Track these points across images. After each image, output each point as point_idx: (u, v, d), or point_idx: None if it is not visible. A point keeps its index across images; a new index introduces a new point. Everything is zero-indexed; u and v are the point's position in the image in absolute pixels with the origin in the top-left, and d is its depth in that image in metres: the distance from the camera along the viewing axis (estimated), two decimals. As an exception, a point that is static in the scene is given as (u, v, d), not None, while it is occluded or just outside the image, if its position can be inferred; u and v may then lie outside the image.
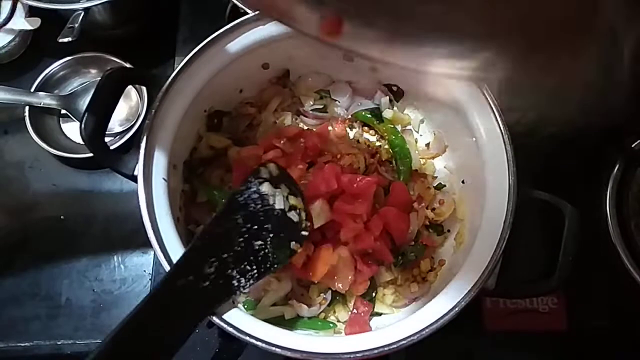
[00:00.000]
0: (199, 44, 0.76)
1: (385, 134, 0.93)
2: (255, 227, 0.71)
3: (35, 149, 0.95)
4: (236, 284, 0.67)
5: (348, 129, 0.95)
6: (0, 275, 0.93)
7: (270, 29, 0.78)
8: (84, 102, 0.99)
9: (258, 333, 0.64)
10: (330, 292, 0.83)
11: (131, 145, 0.97)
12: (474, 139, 0.77)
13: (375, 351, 0.64)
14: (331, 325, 0.81)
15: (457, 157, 0.89)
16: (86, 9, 0.91)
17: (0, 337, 0.89)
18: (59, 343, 0.89)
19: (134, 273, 0.94)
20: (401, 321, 0.67)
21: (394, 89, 0.92)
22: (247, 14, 0.78)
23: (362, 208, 0.80)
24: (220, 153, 0.88)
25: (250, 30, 0.78)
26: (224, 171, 0.88)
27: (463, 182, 0.87)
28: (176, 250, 0.67)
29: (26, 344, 0.89)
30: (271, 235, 0.72)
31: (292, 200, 0.76)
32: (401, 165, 0.90)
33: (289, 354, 0.64)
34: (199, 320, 0.64)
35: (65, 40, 0.88)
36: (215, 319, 0.64)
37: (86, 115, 0.70)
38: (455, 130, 0.84)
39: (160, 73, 1.02)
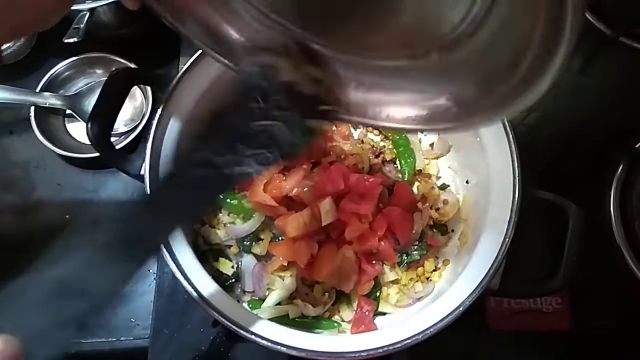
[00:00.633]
0: (204, 44, 0.76)
1: (389, 134, 0.93)
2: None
3: (41, 148, 0.95)
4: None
5: (352, 129, 0.95)
6: (4, 274, 0.93)
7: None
8: (89, 102, 0.99)
9: (263, 332, 0.64)
10: (334, 291, 0.83)
11: (136, 145, 0.97)
12: (478, 139, 0.77)
13: (380, 350, 0.64)
14: (335, 324, 0.81)
15: (461, 157, 0.89)
16: (91, 10, 0.91)
17: (5, 336, 0.90)
18: (63, 342, 0.89)
19: (139, 272, 0.94)
20: (406, 320, 0.68)
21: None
22: (252, 13, 0.79)
23: (367, 208, 0.80)
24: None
25: (255, 31, 0.78)
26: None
27: (467, 182, 0.87)
28: (182, 250, 0.67)
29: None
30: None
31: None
32: (405, 165, 0.91)
33: (294, 352, 0.64)
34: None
35: (71, 40, 0.88)
36: (220, 318, 0.64)
37: (93, 115, 0.70)
38: (459, 130, 0.84)
39: (165, 73, 1.02)
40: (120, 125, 1.00)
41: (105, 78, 0.74)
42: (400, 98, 0.54)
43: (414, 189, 0.90)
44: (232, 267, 0.83)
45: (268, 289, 0.82)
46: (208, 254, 0.84)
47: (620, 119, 1.03)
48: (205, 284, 0.66)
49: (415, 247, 0.85)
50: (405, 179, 0.90)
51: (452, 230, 0.88)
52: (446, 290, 0.69)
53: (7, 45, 0.99)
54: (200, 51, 0.75)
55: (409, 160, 0.91)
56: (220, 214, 0.87)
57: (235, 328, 0.64)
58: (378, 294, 0.84)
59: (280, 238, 0.84)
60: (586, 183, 0.96)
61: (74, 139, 1.01)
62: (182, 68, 0.75)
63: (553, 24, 0.36)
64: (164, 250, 0.67)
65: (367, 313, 0.81)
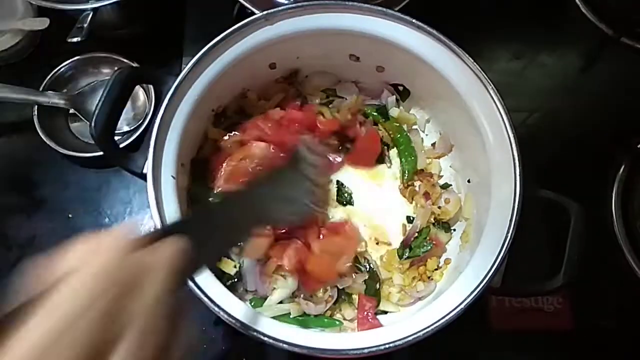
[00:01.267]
0: (206, 43, 0.76)
1: (391, 131, 0.93)
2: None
3: (44, 147, 0.96)
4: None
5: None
6: (8, 273, 0.94)
7: (278, 29, 0.79)
8: (92, 102, 1.00)
9: (266, 330, 0.64)
10: (336, 290, 0.83)
11: (138, 144, 0.96)
12: (480, 138, 0.77)
13: (382, 348, 0.64)
14: (337, 323, 0.82)
15: (463, 156, 0.89)
16: (95, 9, 0.91)
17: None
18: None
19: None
20: (408, 318, 0.68)
21: (400, 88, 0.93)
22: (255, 14, 0.79)
23: None
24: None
25: (257, 30, 0.78)
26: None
27: (469, 181, 0.87)
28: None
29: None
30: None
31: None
32: (405, 164, 0.91)
33: (296, 350, 0.64)
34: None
35: (75, 40, 0.89)
36: (224, 316, 0.64)
37: (96, 114, 0.71)
38: (461, 129, 0.85)
39: (167, 72, 1.03)
40: (122, 125, 1.01)
41: (108, 77, 0.74)
42: None
43: (416, 187, 0.90)
44: (235, 266, 0.83)
45: (273, 288, 0.82)
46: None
47: (622, 118, 1.03)
48: (208, 283, 0.66)
49: (419, 242, 0.86)
50: (405, 177, 0.91)
51: (454, 230, 0.89)
52: (447, 289, 0.69)
53: (11, 44, 1.00)
54: (203, 50, 0.76)
55: (409, 159, 0.91)
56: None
57: (238, 326, 0.64)
58: (377, 285, 0.85)
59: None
60: (588, 183, 0.97)
61: (77, 138, 1.02)
62: (185, 67, 0.75)
63: None
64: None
65: (369, 310, 0.81)
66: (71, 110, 1.01)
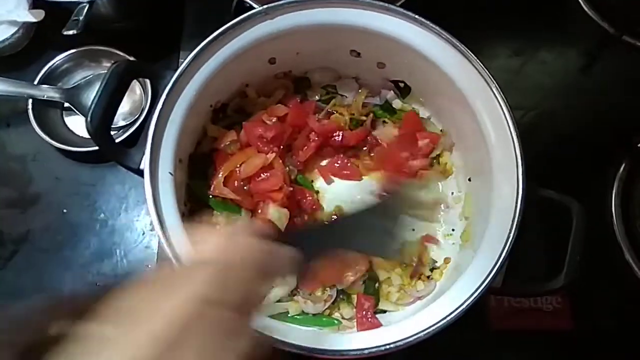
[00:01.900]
0: (204, 38, 0.75)
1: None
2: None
3: (38, 142, 0.94)
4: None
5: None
6: (2, 268, 0.92)
7: (277, 24, 0.77)
8: (88, 96, 0.98)
9: (265, 329, 0.64)
10: (335, 289, 0.82)
11: (134, 140, 0.95)
12: (482, 136, 0.77)
13: (382, 348, 0.64)
14: (335, 322, 0.81)
15: (464, 154, 0.88)
16: (91, 2, 0.90)
17: (1, 331, 0.89)
18: (61, 337, 0.89)
19: (137, 268, 0.94)
20: (408, 318, 0.67)
21: (401, 85, 0.92)
22: (253, 8, 0.78)
23: None
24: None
25: (256, 25, 0.77)
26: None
27: (470, 179, 0.87)
28: (182, 245, 0.67)
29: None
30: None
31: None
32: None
33: (295, 350, 0.63)
34: None
35: (70, 32, 0.87)
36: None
37: (93, 107, 0.69)
38: (462, 127, 0.84)
39: (164, 67, 1.01)
40: (118, 119, 0.99)
41: (104, 71, 0.73)
42: None
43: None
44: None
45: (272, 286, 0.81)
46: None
47: (623, 117, 1.03)
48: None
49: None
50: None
51: (453, 230, 0.88)
52: (449, 289, 0.69)
53: (5, 36, 0.98)
54: (202, 44, 0.74)
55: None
56: (214, 214, 0.85)
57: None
58: (376, 285, 0.84)
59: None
60: (588, 182, 0.96)
61: (72, 132, 1.00)
62: (183, 61, 0.74)
63: None
64: (165, 245, 0.66)
65: (368, 309, 0.80)
66: (66, 104, 0.99)
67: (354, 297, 0.83)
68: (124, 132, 0.96)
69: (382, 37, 0.78)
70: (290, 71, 0.91)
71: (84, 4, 0.89)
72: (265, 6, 0.76)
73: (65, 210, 0.96)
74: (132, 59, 0.99)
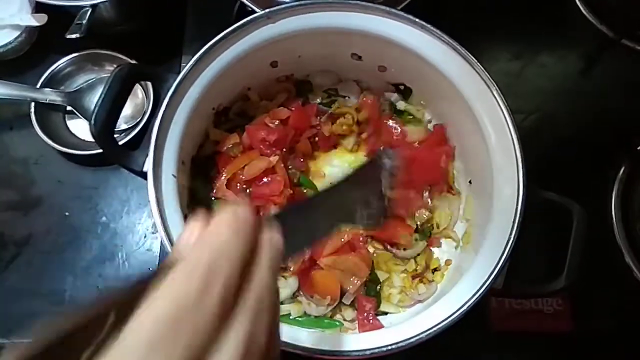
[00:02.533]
0: (206, 41, 0.75)
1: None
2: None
3: (41, 145, 0.95)
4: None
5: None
6: (4, 271, 0.93)
7: (279, 27, 0.78)
8: (90, 99, 0.99)
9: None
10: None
11: (137, 142, 0.96)
12: (483, 139, 0.77)
13: (384, 349, 0.64)
14: (337, 324, 0.81)
15: (465, 157, 0.89)
16: (94, 6, 0.90)
17: (3, 333, 0.89)
18: (63, 340, 0.89)
19: (139, 270, 0.94)
20: (410, 319, 0.68)
21: (402, 88, 0.92)
22: (255, 12, 0.78)
23: None
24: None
25: (258, 29, 0.78)
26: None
27: (470, 182, 0.87)
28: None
29: (29, 340, 0.88)
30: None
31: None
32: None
33: (297, 351, 0.63)
34: None
35: (73, 36, 0.88)
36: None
37: (96, 111, 0.70)
38: (463, 129, 0.84)
39: (167, 70, 1.02)
40: (120, 122, 0.99)
41: (106, 75, 0.73)
42: None
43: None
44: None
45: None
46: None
47: (623, 120, 1.03)
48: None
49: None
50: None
51: (454, 231, 0.88)
52: (450, 290, 0.69)
53: (8, 40, 0.99)
54: (205, 48, 0.75)
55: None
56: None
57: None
58: (377, 287, 0.84)
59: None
60: (588, 184, 0.97)
61: (74, 136, 1.00)
62: (185, 65, 0.74)
63: None
64: (169, 248, 0.66)
65: (369, 311, 0.81)
66: (69, 108, 1.00)
67: (356, 298, 0.83)
68: (126, 135, 0.97)
69: (383, 40, 0.79)
70: (292, 74, 0.92)
71: (87, 8, 0.90)
72: (267, 10, 0.77)
73: (67, 213, 0.96)
74: (134, 62, 0.99)
